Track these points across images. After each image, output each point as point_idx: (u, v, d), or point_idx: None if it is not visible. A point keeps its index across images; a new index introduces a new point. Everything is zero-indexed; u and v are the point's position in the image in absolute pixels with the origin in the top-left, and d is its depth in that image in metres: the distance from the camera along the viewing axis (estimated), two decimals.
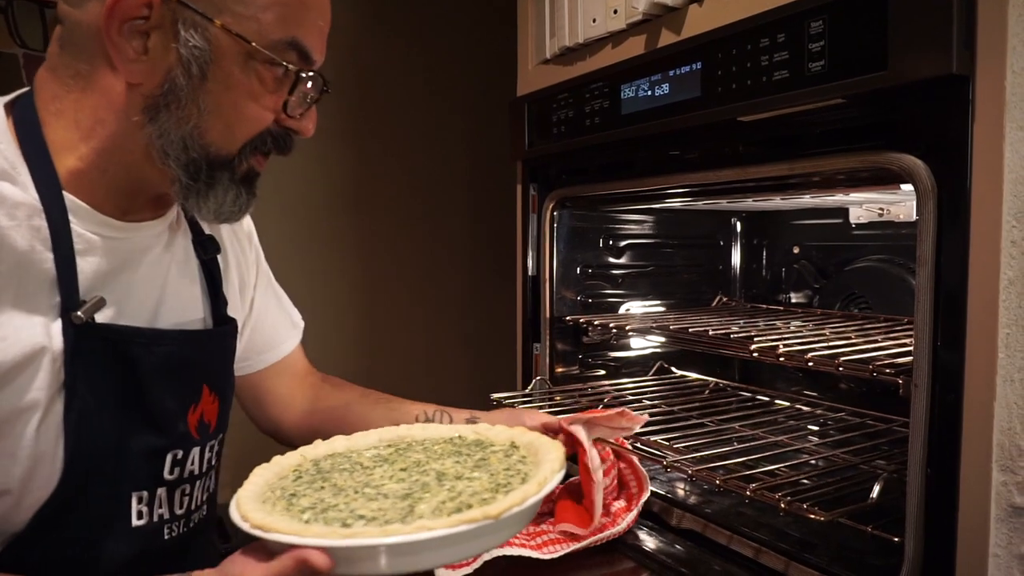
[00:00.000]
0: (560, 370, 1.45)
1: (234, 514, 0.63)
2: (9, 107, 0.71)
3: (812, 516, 0.84)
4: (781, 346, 0.99)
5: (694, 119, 0.98)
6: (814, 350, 0.96)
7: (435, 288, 2.23)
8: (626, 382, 1.47)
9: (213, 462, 0.85)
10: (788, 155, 0.92)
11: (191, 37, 0.66)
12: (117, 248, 0.75)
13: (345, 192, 2.09)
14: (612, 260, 1.52)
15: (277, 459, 0.76)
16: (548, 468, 0.68)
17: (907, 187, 0.80)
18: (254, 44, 0.67)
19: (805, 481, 1.06)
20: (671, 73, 1.02)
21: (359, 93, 2.08)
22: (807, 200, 1.27)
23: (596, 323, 1.35)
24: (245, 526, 0.60)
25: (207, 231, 0.89)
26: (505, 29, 1.45)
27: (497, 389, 1.34)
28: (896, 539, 0.83)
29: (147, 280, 0.78)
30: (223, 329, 0.87)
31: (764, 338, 1.05)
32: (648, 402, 1.35)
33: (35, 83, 0.72)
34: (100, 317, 0.70)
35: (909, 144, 0.78)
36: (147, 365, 0.74)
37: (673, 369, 1.57)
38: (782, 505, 0.87)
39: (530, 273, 1.41)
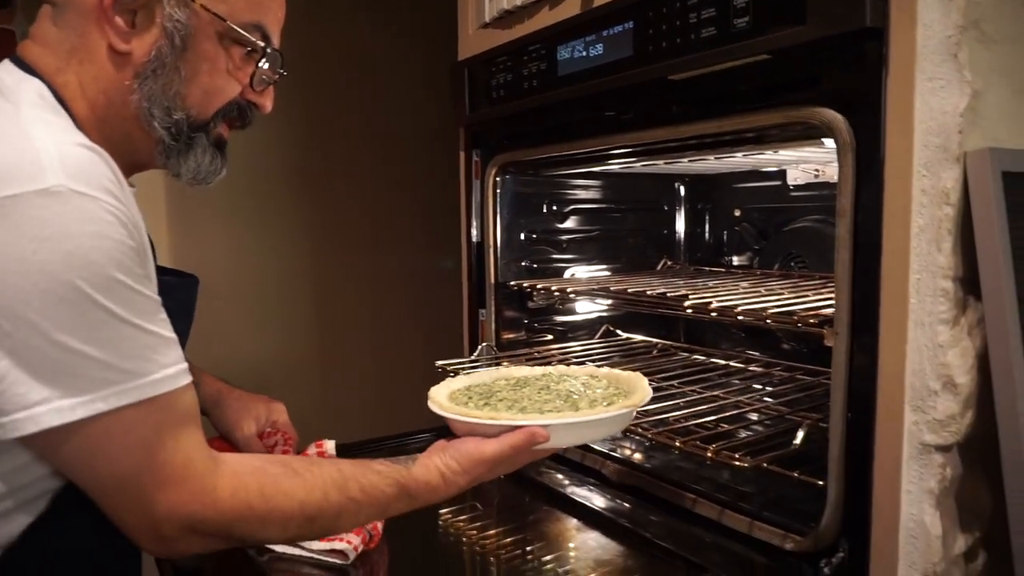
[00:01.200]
0: (507, 336, 1.46)
1: (450, 412, 0.83)
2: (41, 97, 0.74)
3: (736, 463, 0.87)
4: (714, 302, 1.02)
5: (627, 78, 0.99)
6: (746, 305, 0.98)
7: (384, 257, 2.21)
8: (572, 345, 1.49)
9: None
10: (718, 112, 0.93)
11: (174, 12, 0.75)
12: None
13: (289, 165, 2.05)
14: (557, 225, 1.53)
15: (436, 389, 0.92)
16: (644, 386, 0.89)
17: (830, 142, 0.82)
18: (228, 23, 0.77)
19: (743, 433, 1.10)
20: (604, 33, 1.02)
21: (301, 64, 2.03)
22: (742, 160, 1.29)
23: (540, 288, 1.36)
24: (470, 419, 0.81)
25: None
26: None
27: (446, 356, 1.35)
28: (820, 483, 0.86)
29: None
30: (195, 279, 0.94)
31: (698, 296, 1.08)
32: (594, 364, 1.38)
33: (28, 59, 0.76)
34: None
35: (830, 99, 0.80)
36: (182, 310, 0.84)
37: (619, 332, 1.59)
38: (709, 454, 0.89)
39: (474, 239, 1.41)
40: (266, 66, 0.82)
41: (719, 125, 0.93)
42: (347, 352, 2.19)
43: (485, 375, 1.01)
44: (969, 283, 0.72)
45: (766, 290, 1.18)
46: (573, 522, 1.06)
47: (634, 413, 0.86)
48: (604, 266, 1.60)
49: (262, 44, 0.81)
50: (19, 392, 0.60)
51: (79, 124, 0.74)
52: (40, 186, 0.60)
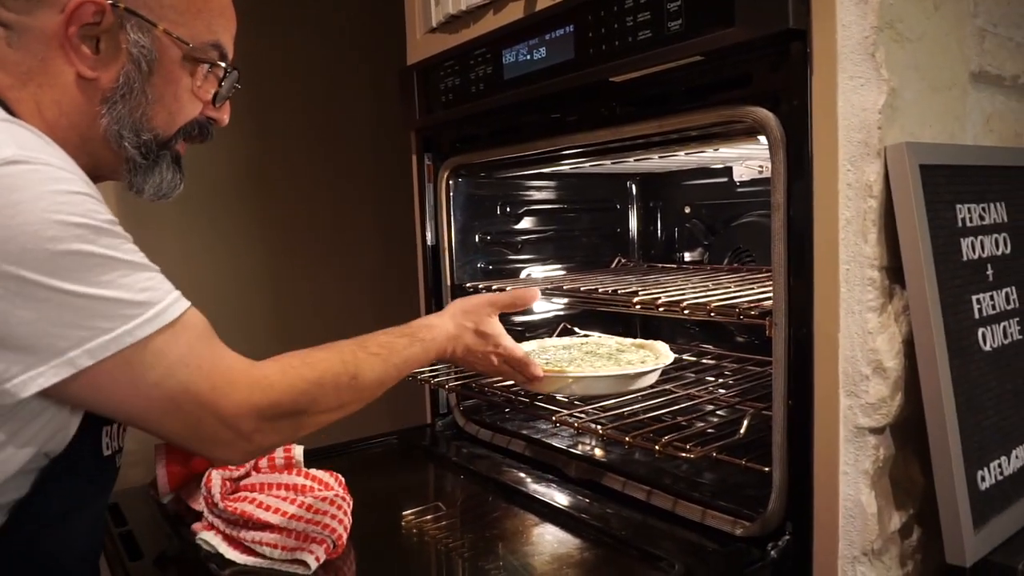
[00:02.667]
0: None
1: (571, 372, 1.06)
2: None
3: (683, 455, 0.89)
4: (663, 298, 1.04)
5: (570, 81, 1.01)
6: (690, 300, 1.01)
7: (341, 260, 2.21)
8: (530, 344, 1.51)
9: None
10: (658, 113, 0.95)
11: (139, 39, 0.78)
12: None
13: (241, 172, 2.04)
14: (512, 226, 1.55)
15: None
16: (667, 350, 1.14)
17: (765, 139, 0.85)
18: (191, 45, 0.80)
19: (697, 424, 1.13)
20: (547, 36, 1.04)
21: (258, 69, 2.02)
22: (687, 158, 1.32)
23: (495, 288, 1.37)
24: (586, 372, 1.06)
25: None
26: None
27: None
28: (766, 469, 0.89)
29: None
30: None
31: (647, 292, 1.10)
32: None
33: None
34: None
35: (761, 98, 0.83)
36: None
37: (576, 330, 1.61)
38: (657, 448, 0.92)
39: (429, 243, 1.42)
40: (226, 83, 0.86)
41: (659, 125, 0.95)
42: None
43: (533, 343, 1.26)
44: (894, 272, 0.76)
45: (714, 284, 1.21)
46: (533, 518, 1.08)
47: (662, 368, 1.10)
48: (560, 265, 1.62)
49: (222, 63, 0.84)
50: (48, 344, 0.62)
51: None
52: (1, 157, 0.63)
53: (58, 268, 0.62)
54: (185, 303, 0.71)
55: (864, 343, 0.75)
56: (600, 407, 1.18)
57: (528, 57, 1.08)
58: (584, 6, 0.97)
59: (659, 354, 1.14)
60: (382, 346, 0.87)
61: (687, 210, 1.61)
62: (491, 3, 1.17)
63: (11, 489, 0.70)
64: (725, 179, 1.49)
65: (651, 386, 1.19)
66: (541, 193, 1.59)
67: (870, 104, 0.74)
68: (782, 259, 0.82)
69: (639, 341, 1.25)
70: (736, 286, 1.17)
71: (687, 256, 1.64)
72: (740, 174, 1.43)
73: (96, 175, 0.82)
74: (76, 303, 0.63)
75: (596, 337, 1.35)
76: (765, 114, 0.82)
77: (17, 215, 0.61)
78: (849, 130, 0.74)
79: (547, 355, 1.22)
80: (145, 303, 0.67)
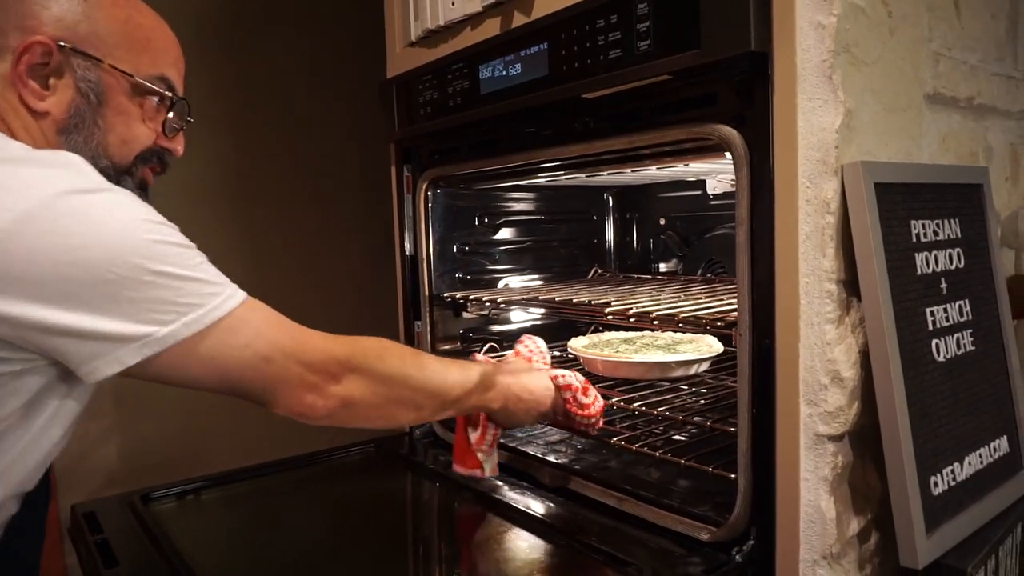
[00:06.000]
0: (443, 347, 1.49)
1: (595, 355, 1.25)
2: None
3: (658, 455, 0.92)
4: (633, 308, 1.07)
5: (544, 97, 1.03)
6: (660, 311, 1.04)
7: (323, 271, 2.23)
8: (509, 355, 1.53)
9: None
10: (628, 129, 0.98)
11: (86, 74, 0.85)
12: None
13: (228, 182, 2.05)
14: (490, 237, 1.57)
15: (572, 343, 1.37)
16: (717, 343, 1.28)
17: (730, 155, 0.88)
18: (135, 77, 0.87)
19: (680, 437, 1.16)
20: (522, 53, 1.07)
21: (238, 81, 2.04)
22: (659, 172, 1.35)
23: (472, 298, 1.40)
24: (615, 358, 1.23)
25: None
26: (379, 11, 1.46)
27: None
28: (732, 476, 0.92)
29: None
30: None
31: (619, 303, 1.13)
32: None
33: None
34: None
35: (726, 116, 0.86)
36: None
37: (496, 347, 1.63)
38: (634, 447, 0.94)
39: (407, 253, 1.44)
40: (173, 115, 0.92)
41: (630, 140, 0.98)
42: None
43: (595, 337, 1.42)
44: (851, 285, 0.79)
45: (686, 295, 1.24)
46: (505, 524, 1.10)
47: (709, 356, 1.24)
48: (537, 275, 1.64)
49: (168, 94, 0.90)
50: (157, 315, 0.71)
51: None
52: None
53: (156, 255, 0.71)
54: (244, 293, 0.80)
55: (823, 353, 0.78)
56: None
57: (504, 73, 1.10)
58: (558, 25, 1.00)
59: (710, 346, 1.28)
60: (439, 361, 0.97)
61: (662, 222, 1.64)
62: (468, 19, 1.19)
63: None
64: (699, 192, 1.52)
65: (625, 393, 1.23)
66: (519, 204, 1.62)
67: (828, 124, 0.77)
68: (746, 271, 0.85)
69: (689, 336, 1.35)
70: (707, 297, 1.20)
71: (662, 267, 1.67)
72: (713, 187, 1.46)
73: None
74: (175, 284, 0.72)
75: (650, 332, 1.46)
76: (730, 132, 0.85)
77: (113, 221, 0.71)
78: (808, 149, 0.77)
79: (611, 348, 1.34)
80: (225, 283, 0.77)
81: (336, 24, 2.21)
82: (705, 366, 1.24)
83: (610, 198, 1.73)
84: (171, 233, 0.75)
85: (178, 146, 0.96)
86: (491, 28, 1.15)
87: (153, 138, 0.92)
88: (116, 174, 0.88)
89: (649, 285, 1.46)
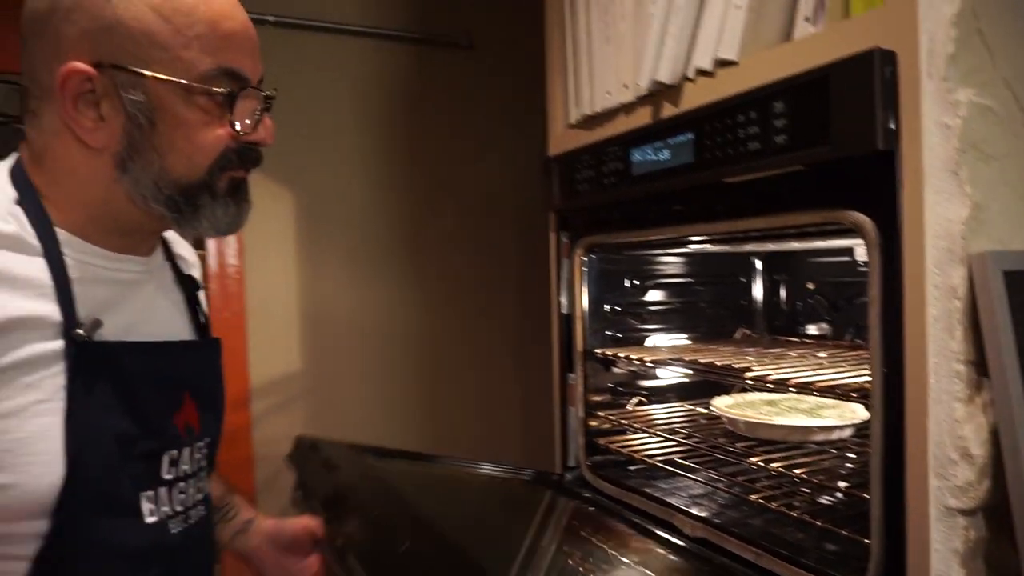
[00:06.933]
0: (594, 398, 1.61)
1: (733, 413, 1.36)
2: (11, 171, 0.82)
3: (796, 515, 0.98)
4: (773, 375, 1.14)
5: (689, 180, 1.15)
6: (800, 378, 1.10)
7: (488, 324, 2.45)
8: (656, 408, 1.62)
9: (202, 463, 0.94)
10: (766, 211, 1.07)
11: (132, 94, 0.75)
12: (112, 277, 0.84)
13: (404, 234, 2.36)
14: (639, 298, 1.68)
15: (715, 401, 1.45)
16: (861, 411, 1.30)
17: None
18: (185, 82, 0.76)
19: (824, 500, 1.20)
20: (670, 140, 1.19)
21: (421, 145, 2.35)
22: (803, 244, 1.41)
23: (622, 355, 1.51)
24: (757, 419, 1.32)
25: (186, 271, 1.01)
26: (534, 92, 1.66)
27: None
28: (867, 541, 0.96)
29: (139, 305, 0.88)
30: (201, 342, 0.98)
31: (760, 368, 1.20)
32: (679, 428, 1.51)
33: (20, 157, 0.83)
34: (99, 334, 0.79)
35: (859, 203, 0.93)
36: (137, 374, 0.83)
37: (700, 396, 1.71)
38: (773, 505, 1.01)
39: (563, 311, 1.59)
40: (243, 105, 0.80)
41: (768, 221, 1.07)
42: (452, 404, 2.43)
43: (740, 397, 1.49)
44: (981, 366, 0.83)
45: (829, 362, 1.28)
46: (645, 571, 1.19)
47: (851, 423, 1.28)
48: (684, 335, 1.73)
49: (228, 89, 0.78)
50: None
51: (52, 212, 0.78)
52: None
53: None
54: None
55: (952, 430, 0.82)
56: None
57: (654, 157, 1.23)
58: (703, 117, 1.12)
59: (854, 412, 1.31)
60: None
61: (810, 286, 1.67)
62: (622, 108, 1.34)
63: None
64: (847, 258, 1.55)
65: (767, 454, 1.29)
66: (667, 268, 1.72)
67: (954, 216, 0.83)
68: (878, 348, 0.91)
69: (833, 401, 1.38)
70: (850, 365, 1.24)
71: (810, 329, 1.70)
72: (862, 255, 1.49)
73: (137, 230, 0.85)
74: None
75: (795, 395, 1.52)
76: (862, 218, 0.92)
77: None
78: (935, 238, 0.83)
79: (754, 408, 1.42)
80: None
81: (502, 103, 2.47)
82: (848, 432, 1.27)
83: (757, 261, 1.78)
84: None
85: (262, 134, 0.83)
86: (643, 116, 1.29)
87: (226, 140, 0.80)
88: (187, 198, 0.80)
89: (794, 348, 1.50)
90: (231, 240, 2.18)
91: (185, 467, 0.89)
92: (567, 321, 1.59)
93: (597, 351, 1.58)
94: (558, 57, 1.54)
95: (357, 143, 2.31)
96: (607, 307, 1.63)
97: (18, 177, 0.80)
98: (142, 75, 0.75)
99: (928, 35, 0.83)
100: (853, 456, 1.24)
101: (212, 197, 0.81)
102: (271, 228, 2.22)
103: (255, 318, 2.19)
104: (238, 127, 0.80)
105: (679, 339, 1.72)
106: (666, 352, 1.54)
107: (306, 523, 1.24)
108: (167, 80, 0.75)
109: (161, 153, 0.78)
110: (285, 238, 2.24)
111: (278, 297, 2.24)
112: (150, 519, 0.82)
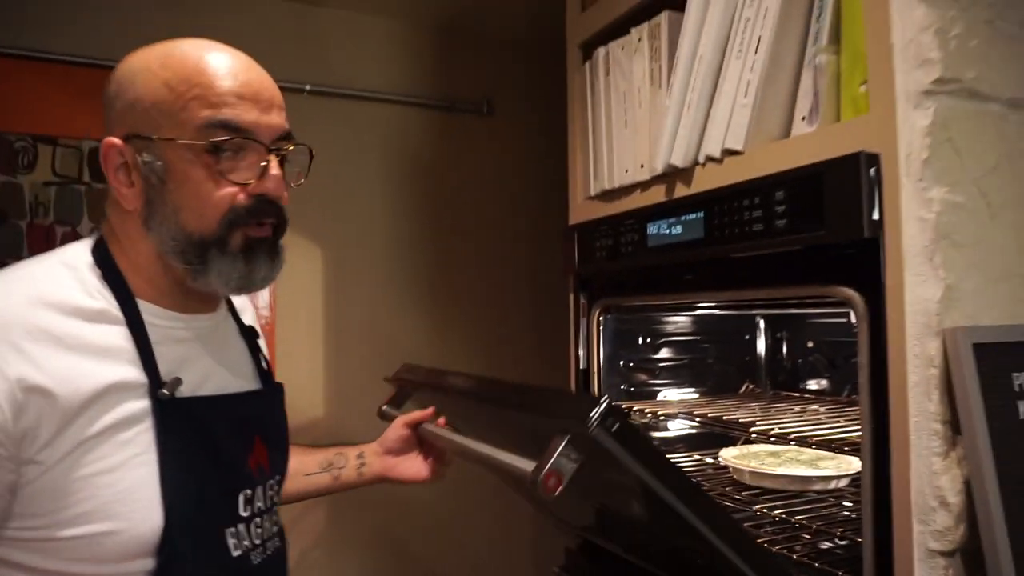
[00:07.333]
0: None
1: (739, 464, 1.46)
2: (93, 248, 0.91)
3: (796, 558, 1.10)
4: (775, 428, 1.26)
5: (700, 254, 1.29)
6: (798, 432, 1.23)
7: (508, 377, 2.58)
8: (733, 450, 1.74)
9: (273, 499, 1.02)
10: (768, 283, 1.21)
11: (146, 156, 0.85)
12: (185, 336, 0.94)
13: (423, 284, 2.53)
14: (651, 355, 1.82)
15: (724, 453, 1.56)
16: (856, 463, 1.37)
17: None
18: (184, 140, 0.83)
19: (825, 545, 1.31)
20: (682, 217, 1.34)
21: (442, 203, 2.52)
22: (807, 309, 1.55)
23: (636, 408, 1.64)
24: (760, 470, 1.42)
25: (247, 323, 1.11)
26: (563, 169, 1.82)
27: None
28: None
29: (210, 359, 0.98)
30: (267, 390, 1.08)
31: (764, 422, 1.33)
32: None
33: (102, 234, 0.93)
34: (180, 391, 0.88)
35: (849, 280, 1.07)
36: (215, 424, 0.92)
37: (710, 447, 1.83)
38: (776, 548, 1.12)
39: (581, 366, 1.72)
40: (247, 157, 0.86)
41: (769, 293, 1.21)
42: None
43: (745, 448, 1.61)
44: (955, 424, 0.96)
45: (827, 416, 1.41)
46: None
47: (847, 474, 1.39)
48: (693, 389, 1.86)
49: (226, 139, 0.84)
50: None
51: (128, 279, 0.88)
52: None
53: None
54: None
55: (931, 481, 0.95)
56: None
57: (668, 231, 1.38)
58: (712, 200, 1.26)
59: (849, 464, 1.41)
60: None
61: (810, 344, 1.81)
62: (638, 185, 1.49)
63: None
64: (844, 320, 1.69)
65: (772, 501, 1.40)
66: (677, 327, 1.86)
67: (930, 295, 0.96)
68: (867, 407, 1.04)
69: (832, 453, 1.48)
70: (846, 420, 1.37)
71: (811, 384, 1.82)
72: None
73: (187, 288, 0.91)
74: None
75: (796, 447, 1.61)
76: (852, 293, 1.06)
77: None
78: (914, 314, 0.97)
79: (758, 459, 1.52)
80: None
81: (517, 165, 2.65)
82: (844, 482, 1.39)
83: (761, 320, 1.92)
84: None
85: (268, 184, 0.87)
86: (657, 194, 1.44)
87: (234, 194, 0.86)
88: (197, 252, 0.86)
89: (796, 403, 1.63)
90: (263, 294, 2.32)
91: (259, 504, 0.98)
92: (584, 375, 1.72)
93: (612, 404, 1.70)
94: (579, 136, 1.71)
95: (381, 201, 2.49)
96: (621, 363, 1.76)
97: (101, 253, 0.90)
98: (151, 139, 0.84)
99: (906, 142, 0.98)
100: (849, 504, 1.36)
101: (221, 252, 0.87)
102: (301, 282, 2.37)
103: (283, 369, 2.32)
104: (233, 176, 0.85)
105: (688, 393, 1.85)
106: (676, 406, 1.67)
107: (400, 422, 1.36)
108: (170, 140, 0.83)
109: (175, 209, 0.85)
110: (314, 293, 2.39)
111: (303, 351, 2.37)
112: (235, 552, 0.91)
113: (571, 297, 1.75)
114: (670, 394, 1.82)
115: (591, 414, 0.81)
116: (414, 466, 1.35)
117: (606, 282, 1.65)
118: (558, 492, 0.82)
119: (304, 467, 1.30)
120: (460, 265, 2.58)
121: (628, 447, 0.84)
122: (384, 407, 1.43)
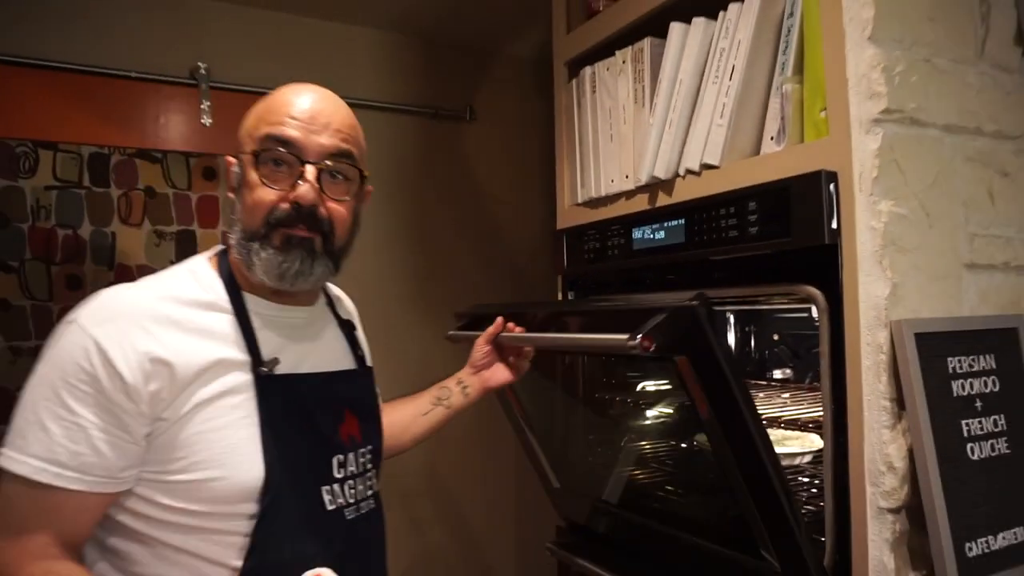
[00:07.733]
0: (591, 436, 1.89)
1: None
2: (220, 252, 1.11)
3: None
4: None
5: (681, 257, 1.45)
6: (768, 414, 1.40)
7: None
8: (646, 444, 1.90)
9: (367, 466, 1.14)
10: (743, 283, 1.37)
11: (235, 168, 1.07)
12: (285, 323, 1.10)
13: (418, 286, 2.65)
14: None
15: (700, 437, 1.64)
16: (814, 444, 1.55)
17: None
18: (248, 151, 1.03)
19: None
20: (665, 224, 1.50)
21: (427, 202, 2.64)
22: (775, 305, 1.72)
23: (618, 399, 1.79)
24: None
25: (344, 317, 1.28)
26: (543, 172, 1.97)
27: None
28: (823, 539, 1.25)
29: (307, 344, 1.13)
30: (359, 371, 1.23)
31: None
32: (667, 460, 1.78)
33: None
34: (278, 369, 1.04)
35: (812, 280, 1.24)
36: (308, 397, 1.07)
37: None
38: None
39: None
40: (284, 166, 1.02)
41: (742, 291, 1.38)
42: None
43: None
44: (900, 402, 1.13)
45: (792, 401, 1.59)
46: None
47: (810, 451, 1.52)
48: (667, 381, 2.02)
49: (267, 149, 1.01)
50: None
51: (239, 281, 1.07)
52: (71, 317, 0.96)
53: (34, 395, 0.93)
54: (38, 474, 0.90)
55: (881, 449, 1.12)
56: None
57: (652, 236, 1.54)
58: (692, 208, 1.42)
59: (812, 443, 1.56)
60: None
61: (776, 337, 1.99)
62: (623, 194, 1.65)
63: None
64: (806, 315, 1.87)
65: None
66: None
67: (880, 293, 1.13)
68: (828, 390, 1.20)
69: (797, 433, 1.63)
70: (808, 403, 1.54)
71: (776, 373, 2.01)
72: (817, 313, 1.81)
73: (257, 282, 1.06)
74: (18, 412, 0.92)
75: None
76: (815, 291, 1.23)
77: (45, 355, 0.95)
78: (867, 308, 1.14)
79: None
80: (34, 454, 0.90)
81: (497, 167, 2.79)
82: (808, 458, 1.56)
83: (731, 315, 2.10)
84: (64, 377, 0.91)
85: (302, 190, 1.01)
86: (641, 202, 1.59)
87: (273, 197, 1.01)
88: (249, 243, 1.03)
89: (763, 390, 1.80)
90: None
91: (352, 468, 1.11)
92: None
93: (596, 395, 1.86)
94: (566, 147, 1.86)
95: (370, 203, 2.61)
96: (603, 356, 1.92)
97: (222, 255, 1.10)
98: (240, 155, 1.06)
99: (859, 162, 1.15)
100: (806, 479, 1.54)
101: (262, 247, 1.02)
102: None
103: None
104: (274, 183, 1.01)
105: (664, 384, 2.01)
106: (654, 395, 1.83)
107: (480, 342, 1.49)
108: (244, 152, 1.05)
109: (241, 208, 1.05)
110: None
111: None
112: (330, 507, 1.05)
113: (559, 296, 1.90)
114: (648, 384, 1.99)
115: (691, 298, 1.04)
116: (502, 372, 1.50)
117: (593, 282, 1.81)
118: (652, 349, 1.01)
119: (418, 409, 1.46)
120: (444, 264, 2.71)
121: (715, 331, 1.06)
122: (451, 332, 1.63)
